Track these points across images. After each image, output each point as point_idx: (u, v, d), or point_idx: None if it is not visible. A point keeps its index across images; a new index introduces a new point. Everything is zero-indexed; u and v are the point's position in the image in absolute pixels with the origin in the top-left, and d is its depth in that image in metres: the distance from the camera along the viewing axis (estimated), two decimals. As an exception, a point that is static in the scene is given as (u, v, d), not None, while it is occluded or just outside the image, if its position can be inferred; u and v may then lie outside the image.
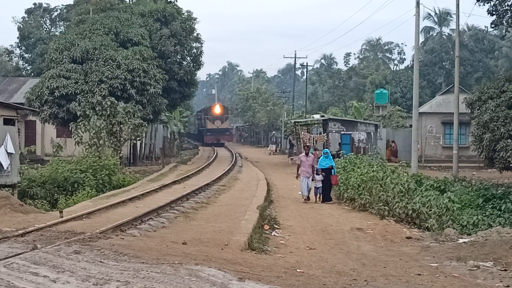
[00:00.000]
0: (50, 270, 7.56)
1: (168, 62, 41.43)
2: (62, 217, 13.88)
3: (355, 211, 18.89)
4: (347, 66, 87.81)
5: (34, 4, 63.14)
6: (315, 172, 20.73)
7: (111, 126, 31.14)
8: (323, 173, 20.69)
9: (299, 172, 21.08)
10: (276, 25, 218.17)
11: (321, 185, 20.71)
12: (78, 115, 31.97)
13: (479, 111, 31.95)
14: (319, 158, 22.63)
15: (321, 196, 20.72)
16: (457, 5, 35.85)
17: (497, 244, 13.04)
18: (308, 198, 20.78)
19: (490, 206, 22.58)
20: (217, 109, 77.25)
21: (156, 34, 40.48)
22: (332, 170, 20.90)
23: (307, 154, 21.25)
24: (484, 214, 20.88)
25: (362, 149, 41.71)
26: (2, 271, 7.46)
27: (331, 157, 21.84)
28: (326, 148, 41.95)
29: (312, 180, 20.75)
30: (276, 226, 15.48)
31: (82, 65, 35.21)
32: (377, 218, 17.33)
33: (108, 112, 31.32)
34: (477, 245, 13.26)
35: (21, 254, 8.53)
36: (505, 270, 11.14)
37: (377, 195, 18.65)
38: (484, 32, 71.85)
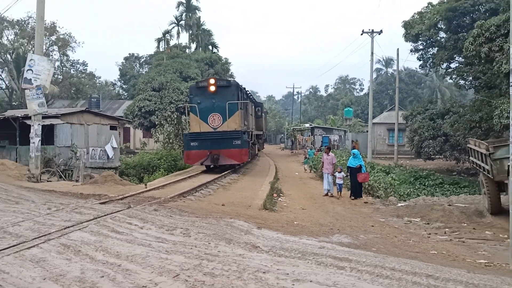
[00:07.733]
0: (138, 221, 7.61)
1: (213, 91, 41.45)
2: (146, 188, 13.93)
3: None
4: (326, 93, 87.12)
5: (129, 53, 63.74)
6: (335, 169, 15.42)
7: (177, 131, 31.25)
8: (348, 172, 15.26)
9: (322, 169, 16.19)
10: (282, 64, 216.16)
11: (342, 182, 15.25)
12: (156, 124, 32.17)
13: (411, 122, 31.80)
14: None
15: (340, 192, 15.20)
16: (397, 54, 35.68)
17: (423, 207, 12.95)
18: (331, 193, 15.20)
19: (418, 183, 22.37)
20: (211, 89, 17.64)
21: (205, 72, 40.60)
22: (361, 169, 14.97)
23: (327, 153, 15.91)
24: (414, 188, 20.69)
25: (336, 146, 42.20)
26: (109, 221, 7.53)
27: (360, 156, 15.62)
28: (313, 144, 41.67)
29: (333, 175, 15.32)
30: (281, 194, 15.41)
31: (159, 92, 35.32)
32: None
33: (175, 122, 31.44)
34: (410, 207, 13.16)
35: (121, 211, 8.60)
36: (428, 223, 11.05)
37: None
38: (415, 71, 71.12)
